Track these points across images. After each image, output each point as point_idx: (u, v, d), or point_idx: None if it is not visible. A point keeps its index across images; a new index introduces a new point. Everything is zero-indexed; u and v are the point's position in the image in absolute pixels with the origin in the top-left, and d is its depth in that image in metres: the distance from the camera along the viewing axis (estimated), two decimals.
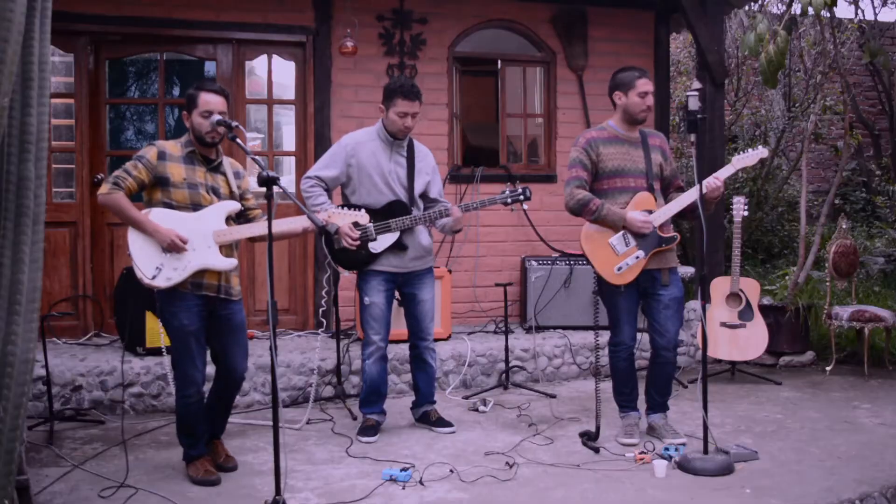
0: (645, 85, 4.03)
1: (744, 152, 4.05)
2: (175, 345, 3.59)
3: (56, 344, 5.36)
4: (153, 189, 3.57)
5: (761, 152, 4.07)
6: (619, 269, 4.01)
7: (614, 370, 4.22)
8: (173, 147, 3.62)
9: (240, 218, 3.73)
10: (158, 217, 3.52)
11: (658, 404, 4.20)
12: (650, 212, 3.99)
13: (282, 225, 3.60)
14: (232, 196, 3.70)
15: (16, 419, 2.55)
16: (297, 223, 3.66)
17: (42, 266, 2.71)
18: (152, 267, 3.49)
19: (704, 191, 3.89)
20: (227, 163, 3.75)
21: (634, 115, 4.05)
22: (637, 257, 3.99)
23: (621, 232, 4.01)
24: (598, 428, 4.12)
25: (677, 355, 4.20)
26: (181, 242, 3.48)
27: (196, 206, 3.58)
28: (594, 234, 4.07)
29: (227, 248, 3.63)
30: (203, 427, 3.68)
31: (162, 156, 3.56)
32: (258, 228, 3.64)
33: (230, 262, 3.62)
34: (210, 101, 3.56)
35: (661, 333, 4.08)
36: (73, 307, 5.70)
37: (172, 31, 5.83)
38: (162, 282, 3.50)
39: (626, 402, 4.23)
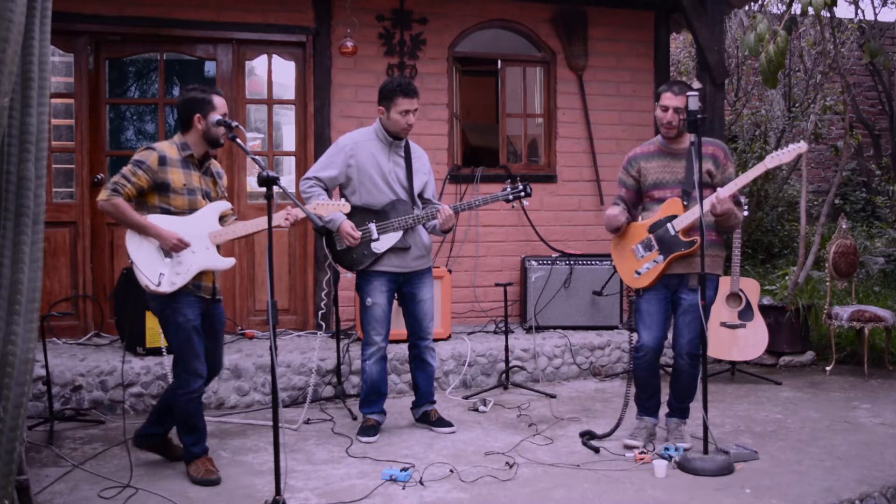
0: (665, 99, 3.95)
1: (779, 149, 3.89)
2: (179, 341, 3.60)
3: (56, 344, 5.36)
4: (150, 194, 3.57)
5: (801, 146, 3.85)
6: (639, 273, 4.02)
7: (634, 375, 4.14)
8: (171, 150, 3.61)
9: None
10: (157, 222, 3.55)
11: (675, 409, 4.13)
12: (674, 216, 3.95)
13: (261, 224, 3.65)
14: (220, 198, 3.76)
15: (16, 419, 2.55)
16: (275, 220, 3.62)
17: (42, 266, 2.71)
18: (156, 274, 3.53)
19: (706, 208, 3.85)
20: (211, 164, 3.81)
21: (660, 128, 4.03)
22: (655, 262, 3.97)
23: (646, 237, 4.01)
24: (620, 420, 4.14)
25: (697, 365, 3.99)
26: (183, 244, 3.54)
27: (193, 212, 3.62)
28: (620, 240, 4.14)
29: (220, 248, 3.70)
30: (204, 422, 3.70)
31: (163, 160, 3.56)
32: (252, 226, 3.71)
33: (230, 262, 3.68)
34: (224, 104, 3.64)
35: (676, 338, 4.04)
36: (73, 307, 5.70)
37: (172, 31, 5.83)
38: (167, 287, 3.54)
39: (643, 407, 4.15)
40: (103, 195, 3.49)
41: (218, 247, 3.69)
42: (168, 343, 3.68)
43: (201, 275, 3.62)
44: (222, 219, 3.77)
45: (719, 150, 4.04)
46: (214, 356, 3.79)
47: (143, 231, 3.52)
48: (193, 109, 3.60)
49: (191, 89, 3.65)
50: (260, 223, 3.68)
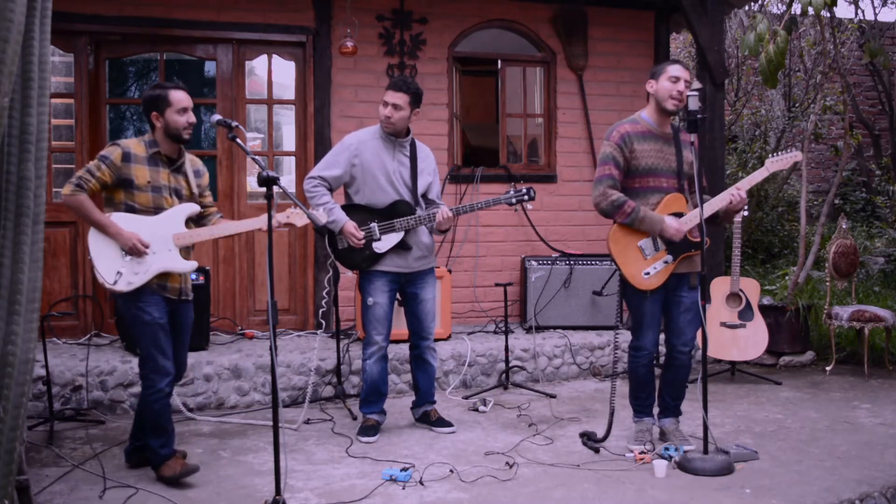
0: (677, 71, 3.84)
1: (778, 154, 3.91)
2: (146, 339, 3.55)
3: (56, 344, 5.36)
4: (116, 190, 3.55)
5: (795, 155, 3.90)
6: (647, 273, 3.87)
7: (632, 375, 4.09)
8: (137, 147, 3.60)
9: (197, 216, 3.78)
10: (119, 221, 3.53)
11: (671, 408, 4.11)
12: (680, 214, 3.87)
13: (240, 226, 3.72)
14: (192, 197, 3.74)
15: (16, 419, 2.55)
16: (256, 223, 3.66)
17: (42, 266, 2.71)
18: (113, 272, 3.50)
19: (728, 203, 3.84)
20: (188, 162, 3.77)
21: (663, 101, 3.86)
22: (665, 262, 3.87)
23: (651, 235, 3.87)
24: (609, 427, 4.08)
25: (692, 359, 4.09)
26: (143, 247, 3.51)
27: (158, 210, 3.60)
28: (622, 236, 3.90)
29: (185, 250, 3.66)
30: (172, 424, 3.67)
31: (126, 157, 3.54)
32: (217, 231, 3.72)
33: (190, 265, 3.66)
34: (182, 98, 3.60)
35: (677, 336, 4.00)
36: (73, 307, 5.70)
37: (172, 31, 5.83)
38: (123, 286, 3.52)
39: (641, 407, 4.12)
40: (67, 189, 3.46)
41: (188, 248, 3.68)
42: (134, 343, 3.65)
43: (166, 275, 3.60)
44: (202, 218, 3.77)
45: (695, 139, 3.89)
46: (178, 358, 3.74)
47: (103, 229, 3.50)
48: (150, 108, 3.60)
49: (150, 87, 3.66)
50: (227, 228, 3.73)
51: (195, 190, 3.75)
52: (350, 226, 4.17)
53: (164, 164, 3.63)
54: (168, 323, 3.62)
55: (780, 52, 5.07)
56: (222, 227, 3.74)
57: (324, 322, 5.78)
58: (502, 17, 6.51)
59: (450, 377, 5.36)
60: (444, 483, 3.54)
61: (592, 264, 6.04)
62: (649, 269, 3.88)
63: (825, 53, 7.27)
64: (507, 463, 3.77)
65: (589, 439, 4.08)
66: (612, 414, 4.08)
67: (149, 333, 3.55)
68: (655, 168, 3.89)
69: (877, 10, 10.87)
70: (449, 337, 5.67)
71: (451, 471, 3.67)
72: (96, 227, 3.51)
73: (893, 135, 9.80)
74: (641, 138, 3.89)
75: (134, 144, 3.60)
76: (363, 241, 4.18)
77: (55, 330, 5.53)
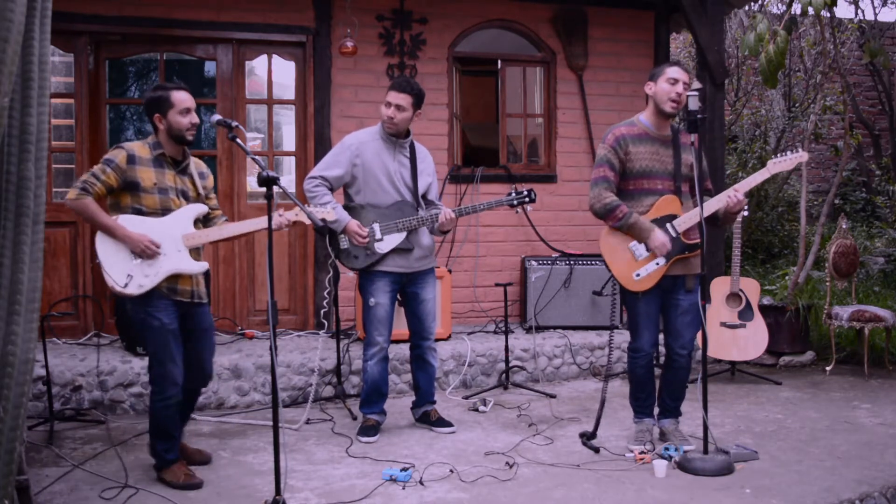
0: (676, 73, 3.84)
1: (780, 154, 3.90)
2: (155, 345, 3.52)
3: (56, 344, 5.36)
4: (122, 194, 3.51)
5: (800, 155, 3.89)
6: (638, 275, 3.86)
7: (631, 376, 4.09)
8: (142, 149, 3.55)
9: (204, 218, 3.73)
10: (127, 223, 3.48)
11: (670, 409, 4.11)
12: (675, 216, 3.87)
13: (249, 226, 3.66)
14: (199, 198, 3.69)
15: (16, 419, 2.55)
16: (265, 223, 3.52)
17: (42, 266, 2.71)
18: (123, 275, 3.45)
19: (724, 205, 3.84)
20: (193, 164, 3.73)
21: (661, 103, 3.84)
22: (657, 264, 3.86)
23: None
24: (596, 425, 4.11)
25: (692, 361, 4.09)
26: (154, 247, 3.47)
27: (166, 212, 3.55)
28: (614, 237, 3.91)
29: (195, 251, 3.62)
30: (179, 429, 3.63)
31: (132, 159, 3.49)
32: (227, 231, 3.67)
33: (201, 266, 3.61)
34: (185, 98, 3.55)
35: (675, 338, 3.99)
36: (73, 307, 5.70)
37: (172, 31, 5.83)
38: (134, 289, 3.47)
39: (641, 408, 4.12)
40: (72, 194, 3.42)
41: (198, 249, 3.63)
42: (144, 347, 3.60)
43: (176, 278, 3.54)
44: (207, 220, 3.73)
45: (697, 141, 3.87)
46: (200, 363, 3.69)
47: (111, 233, 3.44)
48: (152, 110, 3.55)
49: (152, 88, 3.61)
50: (236, 228, 3.67)
51: (201, 192, 3.71)
52: (353, 224, 4.17)
53: (169, 166, 3.60)
54: (181, 328, 3.57)
55: (780, 52, 5.07)
56: (231, 227, 3.69)
57: (325, 322, 5.78)
58: (502, 17, 6.51)
59: (450, 377, 5.37)
60: (444, 483, 3.54)
61: (592, 264, 6.04)
62: (640, 271, 3.87)
63: (825, 53, 7.27)
64: (507, 463, 3.78)
65: (588, 439, 4.08)
66: (602, 405, 4.11)
67: (157, 339, 3.51)
68: (650, 170, 3.89)
69: (877, 10, 10.89)
70: (449, 337, 5.67)
71: (451, 471, 3.67)
72: (103, 230, 3.46)
73: (893, 135, 9.81)
74: (637, 141, 3.90)
75: (138, 147, 3.56)
76: (367, 240, 4.18)
77: (55, 330, 5.54)
